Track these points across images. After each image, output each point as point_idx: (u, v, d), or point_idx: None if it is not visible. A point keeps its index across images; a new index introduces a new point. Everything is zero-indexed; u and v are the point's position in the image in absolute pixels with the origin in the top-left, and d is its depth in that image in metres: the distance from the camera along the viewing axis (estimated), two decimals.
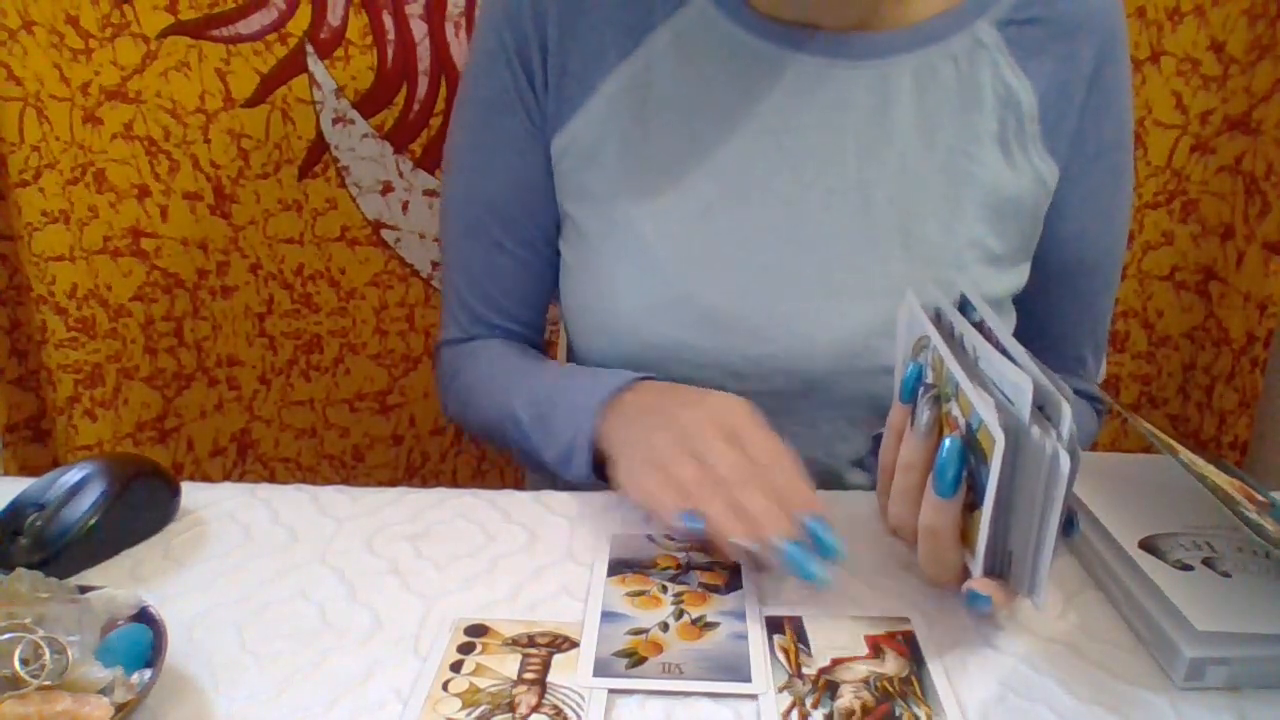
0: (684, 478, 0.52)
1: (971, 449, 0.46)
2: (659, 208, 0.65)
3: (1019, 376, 0.44)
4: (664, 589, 0.52)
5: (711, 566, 0.54)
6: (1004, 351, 0.47)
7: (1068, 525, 0.47)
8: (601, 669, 0.45)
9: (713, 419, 0.54)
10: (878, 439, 0.55)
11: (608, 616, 0.49)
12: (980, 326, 0.50)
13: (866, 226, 0.64)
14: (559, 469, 0.62)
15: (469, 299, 0.75)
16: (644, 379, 0.61)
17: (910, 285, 0.62)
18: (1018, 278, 0.68)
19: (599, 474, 0.60)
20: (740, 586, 0.52)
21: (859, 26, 0.64)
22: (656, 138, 0.65)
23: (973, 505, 0.47)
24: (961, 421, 0.47)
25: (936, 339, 0.50)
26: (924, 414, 0.48)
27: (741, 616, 0.49)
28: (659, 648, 0.47)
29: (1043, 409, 0.45)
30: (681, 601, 0.51)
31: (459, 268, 0.75)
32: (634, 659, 0.46)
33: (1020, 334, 0.69)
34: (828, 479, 0.68)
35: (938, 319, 0.52)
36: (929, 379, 0.50)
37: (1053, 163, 0.66)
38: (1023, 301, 0.70)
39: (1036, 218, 0.67)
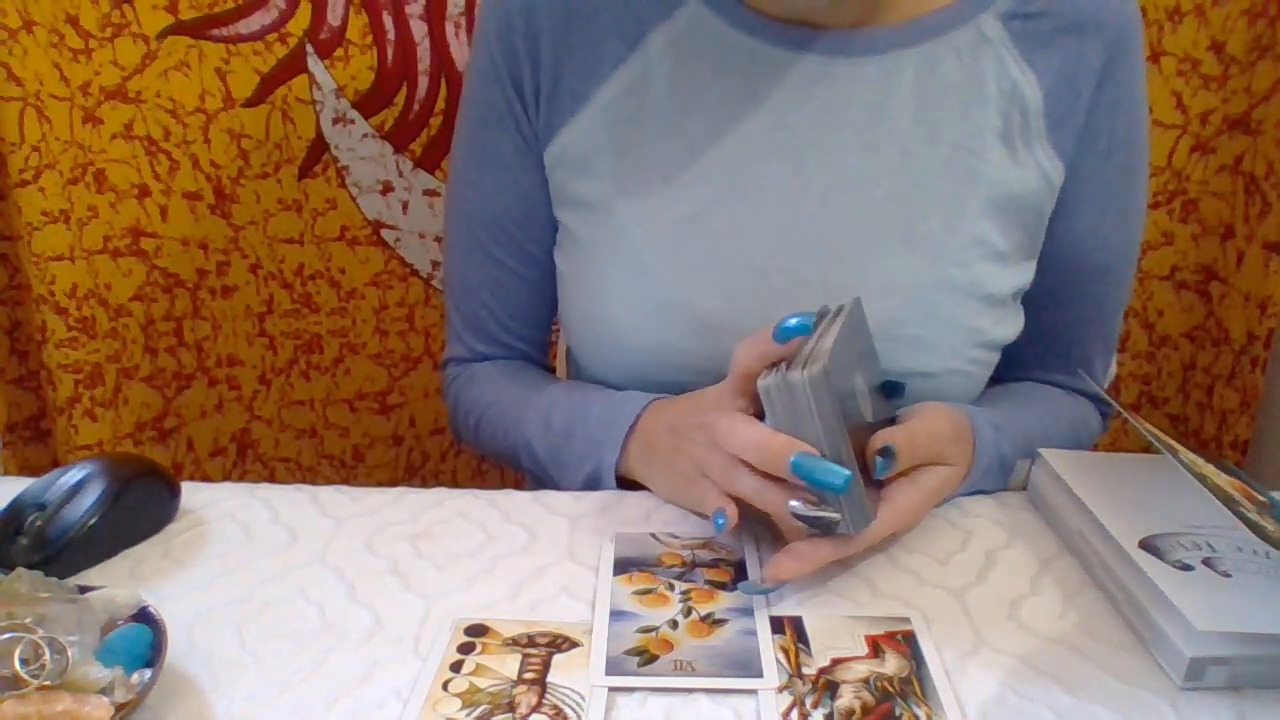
0: (702, 494, 0.55)
1: None
2: (651, 211, 0.64)
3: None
4: (671, 586, 0.52)
5: (717, 563, 0.54)
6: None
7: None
8: (613, 667, 0.45)
9: (703, 431, 0.55)
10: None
11: (616, 615, 0.49)
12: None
13: (866, 223, 0.63)
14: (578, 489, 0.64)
15: (471, 316, 0.74)
16: (653, 400, 0.62)
17: (912, 283, 0.62)
18: (1023, 275, 0.66)
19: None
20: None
21: (858, 23, 0.63)
22: (650, 142, 0.64)
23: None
24: None
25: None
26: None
27: (749, 613, 0.49)
28: (670, 645, 0.47)
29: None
30: (689, 599, 0.51)
31: (460, 284, 0.74)
32: (645, 657, 0.46)
33: (1028, 335, 0.69)
34: None
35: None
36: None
37: (1058, 160, 0.65)
38: (1032, 303, 0.69)
39: (1041, 215, 0.66)
